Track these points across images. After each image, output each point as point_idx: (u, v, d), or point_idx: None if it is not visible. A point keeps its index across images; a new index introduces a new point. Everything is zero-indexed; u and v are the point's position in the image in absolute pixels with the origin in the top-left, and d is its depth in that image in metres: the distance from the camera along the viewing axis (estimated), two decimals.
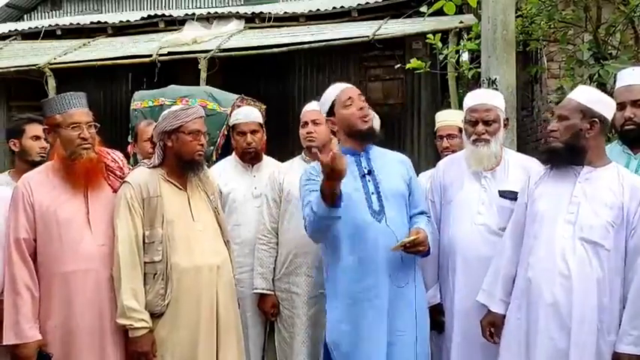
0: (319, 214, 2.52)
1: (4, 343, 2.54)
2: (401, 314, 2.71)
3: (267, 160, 3.66)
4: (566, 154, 2.53)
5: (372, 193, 2.73)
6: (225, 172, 3.59)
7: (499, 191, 2.85)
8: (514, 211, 2.74)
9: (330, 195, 2.46)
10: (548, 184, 2.62)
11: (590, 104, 2.53)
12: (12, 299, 2.54)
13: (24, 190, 2.63)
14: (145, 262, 2.65)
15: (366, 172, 2.77)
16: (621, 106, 2.80)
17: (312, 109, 3.33)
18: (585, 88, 2.70)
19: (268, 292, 3.32)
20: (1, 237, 2.66)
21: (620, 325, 2.45)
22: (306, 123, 3.31)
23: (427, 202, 2.97)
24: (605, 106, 2.56)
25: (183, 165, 2.79)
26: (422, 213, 2.85)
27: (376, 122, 3.29)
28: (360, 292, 2.67)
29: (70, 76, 7.51)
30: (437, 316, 2.96)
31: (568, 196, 2.53)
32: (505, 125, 2.98)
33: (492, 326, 2.68)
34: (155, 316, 2.65)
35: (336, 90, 2.82)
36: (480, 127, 2.86)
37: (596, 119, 2.52)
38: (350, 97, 2.76)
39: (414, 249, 2.62)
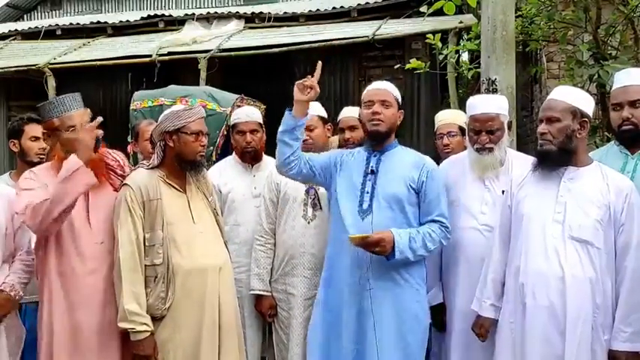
0: (283, 127, 2.80)
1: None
2: (373, 317, 2.72)
3: (267, 160, 3.65)
4: (559, 157, 2.52)
5: (367, 192, 2.78)
6: (224, 172, 3.59)
7: (503, 191, 2.83)
8: (500, 214, 2.72)
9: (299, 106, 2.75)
10: (533, 185, 2.61)
11: (578, 104, 2.52)
12: None
13: None
14: (145, 265, 2.64)
15: (369, 171, 2.82)
16: (618, 107, 2.80)
17: None
18: (568, 89, 2.67)
19: (265, 293, 3.32)
20: (2, 232, 2.68)
21: (613, 324, 2.44)
22: None
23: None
24: (589, 104, 2.57)
25: (183, 165, 2.78)
26: (434, 221, 2.78)
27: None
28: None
29: (70, 76, 7.49)
30: (439, 316, 2.96)
31: (554, 196, 2.53)
32: (509, 128, 2.98)
33: (482, 327, 2.68)
34: (156, 319, 2.64)
35: (368, 87, 2.93)
36: (484, 137, 2.86)
37: (586, 119, 2.53)
38: (370, 100, 2.84)
39: (369, 248, 2.64)
